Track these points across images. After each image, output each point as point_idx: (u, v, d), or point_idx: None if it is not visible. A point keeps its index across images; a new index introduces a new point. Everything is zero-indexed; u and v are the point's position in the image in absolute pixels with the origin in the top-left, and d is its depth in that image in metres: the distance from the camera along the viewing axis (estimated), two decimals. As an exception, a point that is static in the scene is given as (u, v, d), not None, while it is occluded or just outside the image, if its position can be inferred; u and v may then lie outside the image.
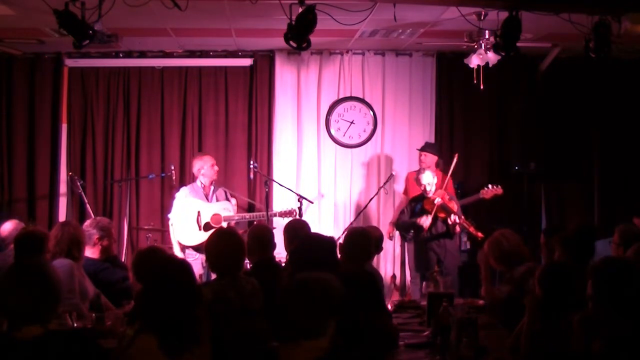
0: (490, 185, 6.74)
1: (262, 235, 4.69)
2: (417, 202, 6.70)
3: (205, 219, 6.64)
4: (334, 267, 3.55)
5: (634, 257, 3.99)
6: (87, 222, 5.03)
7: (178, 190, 6.94)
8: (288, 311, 2.60)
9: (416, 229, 6.68)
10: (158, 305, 2.76)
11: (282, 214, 6.85)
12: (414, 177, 6.92)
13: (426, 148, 7.25)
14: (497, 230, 4.72)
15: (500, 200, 7.22)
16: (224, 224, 6.64)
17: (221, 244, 3.91)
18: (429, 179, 6.57)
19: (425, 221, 6.52)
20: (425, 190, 6.58)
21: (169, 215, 6.88)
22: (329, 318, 2.57)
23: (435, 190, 6.57)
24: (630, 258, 3.97)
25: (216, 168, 6.92)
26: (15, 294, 2.65)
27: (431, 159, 7.20)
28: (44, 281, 2.68)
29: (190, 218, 6.63)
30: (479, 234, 6.36)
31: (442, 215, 6.50)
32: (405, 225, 6.78)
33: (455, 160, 6.71)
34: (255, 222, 7.35)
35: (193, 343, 2.76)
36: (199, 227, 6.62)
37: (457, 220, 6.40)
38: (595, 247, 4.44)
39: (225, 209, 6.74)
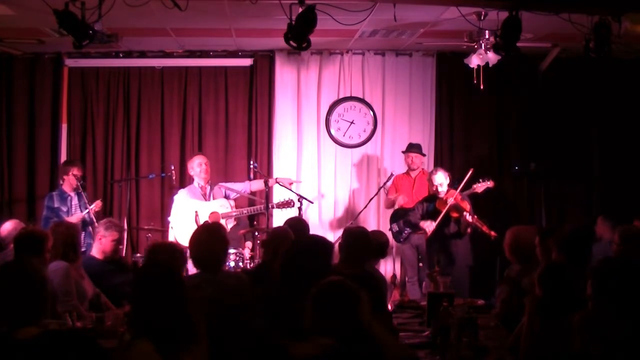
0: (481, 180, 6.74)
1: (276, 239, 4.75)
2: (430, 202, 6.72)
3: (204, 217, 6.64)
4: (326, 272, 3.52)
5: (633, 257, 3.99)
6: (100, 222, 5.06)
7: (176, 192, 6.94)
8: (314, 311, 2.75)
9: (414, 228, 6.76)
10: (149, 310, 2.77)
11: (280, 205, 6.84)
12: (427, 178, 6.97)
13: (413, 149, 7.26)
14: (516, 226, 4.84)
15: (501, 200, 7.23)
16: (222, 222, 6.64)
17: (202, 238, 3.97)
18: (442, 179, 6.61)
19: (429, 226, 6.55)
20: (437, 190, 6.62)
21: (169, 219, 6.89)
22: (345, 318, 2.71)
23: (447, 190, 6.59)
24: (629, 258, 3.97)
25: (204, 167, 6.90)
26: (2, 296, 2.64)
27: (419, 159, 7.23)
28: (27, 284, 2.65)
29: (189, 219, 6.63)
30: (492, 233, 6.33)
31: (455, 215, 6.51)
32: (408, 222, 6.82)
33: (469, 174, 6.62)
34: (255, 218, 7.39)
35: (189, 342, 2.77)
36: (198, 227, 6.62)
37: (471, 220, 6.39)
38: (593, 250, 4.44)
39: (222, 206, 6.74)
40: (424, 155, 7.42)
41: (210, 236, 4.00)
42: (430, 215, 6.64)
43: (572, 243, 4.24)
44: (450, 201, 6.47)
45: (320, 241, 3.84)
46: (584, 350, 3.04)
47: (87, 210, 6.60)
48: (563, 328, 3.21)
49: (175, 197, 6.86)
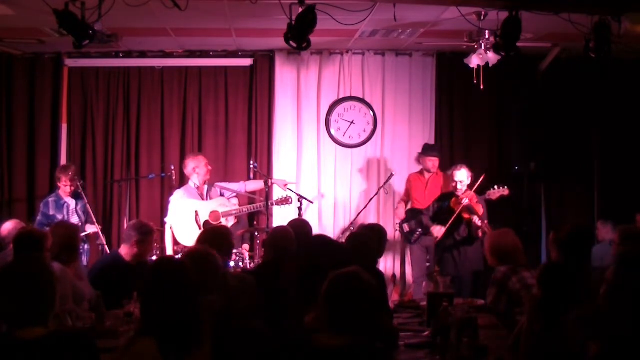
0: (496, 187, 6.68)
1: (276, 237, 4.79)
2: (445, 200, 6.64)
3: (204, 217, 6.65)
4: None
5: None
6: (131, 224, 4.98)
7: (172, 194, 6.93)
8: (331, 306, 2.67)
9: (425, 230, 6.74)
10: (155, 307, 2.72)
11: (278, 202, 6.87)
12: (448, 173, 6.91)
13: (434, 153, 7.26)
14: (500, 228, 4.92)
15: (501, 200, 7.21)
16: (223, 220, 6.64)
17: (205, 240, 4.10)
18: (463, 177, 6.48)
19: (439, 231, 6.50)
20: (456, 187, 6.51)
21: (166, 219, 6.87)
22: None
23: (465, 190, 6.49)
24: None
25: (210, 167, 6.92)
26: (7, 296, 2.61)
27: (438, 162, 7.24)
28: (36, 284, 2.63)
29: (189, 219, 6.64)
30: None
31: (466, 216, 6.41)
32: (420, 222, 6.80)
33: (481, 179, 6.49)
34: (255, 218, 7.38)
35: (193, 345, 2.72)
36: (199, 226, 6.63)
37: (479, 224, 6.29)
38: (593, 251, 4.46)
39: (221, 205, 6.76)
40: (439, 157, 7.39)
41: (211, 238, 4.12)
42: (444, 213, 6.56)
43: (572, 243, 4.25)
44: (465, 202, 6.38)
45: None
46: (583, 350, 3.04)
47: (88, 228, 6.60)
48: (563, 328, 3.21)
49: (172, 198, 6.85)
